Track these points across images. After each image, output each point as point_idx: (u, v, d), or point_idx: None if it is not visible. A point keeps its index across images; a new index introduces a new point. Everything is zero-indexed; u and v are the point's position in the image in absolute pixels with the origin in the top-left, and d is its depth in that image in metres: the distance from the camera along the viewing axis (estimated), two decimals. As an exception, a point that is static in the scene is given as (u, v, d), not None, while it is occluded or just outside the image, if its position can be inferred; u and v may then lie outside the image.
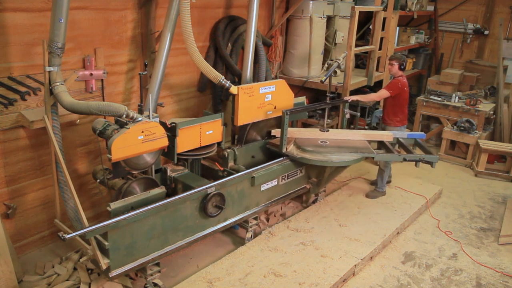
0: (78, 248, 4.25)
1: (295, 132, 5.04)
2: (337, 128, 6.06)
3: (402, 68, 5.47)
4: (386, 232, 4.79)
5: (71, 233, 3.16)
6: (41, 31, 3.84)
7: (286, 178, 4.82)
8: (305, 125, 7.15)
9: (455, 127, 7.32)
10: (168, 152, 4.12)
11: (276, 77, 6.80)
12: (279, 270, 4.06)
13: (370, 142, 5.12)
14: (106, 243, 3.35)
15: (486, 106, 7.44)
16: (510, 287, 4.23)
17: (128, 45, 4.67)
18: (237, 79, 5.54)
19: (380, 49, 6.87)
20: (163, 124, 3.91)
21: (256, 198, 4.56)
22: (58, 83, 3.58)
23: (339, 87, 6.25)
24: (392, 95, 5.42)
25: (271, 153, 5.01)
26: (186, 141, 4.17)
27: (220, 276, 3.93)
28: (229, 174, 4.38)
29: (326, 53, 7.09)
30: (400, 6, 7.16)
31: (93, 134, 3.78)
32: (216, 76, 4.31)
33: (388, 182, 6.07)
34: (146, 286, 3.76)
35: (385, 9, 6.76)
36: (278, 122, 5.18)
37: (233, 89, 4.46)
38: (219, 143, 4.57)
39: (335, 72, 5.62)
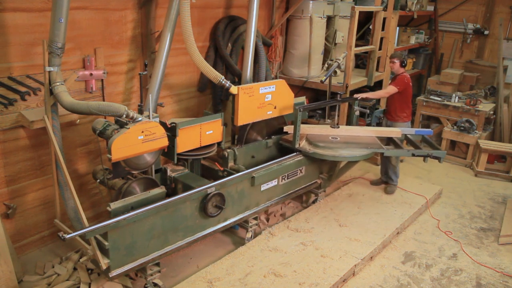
0: (78, 248, 4.25)
1: (306, 129, 5.23)
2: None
3: (403, 65, 5.65)
4: (386, 232, 4.79)
5: (71, 233, 3.16)
6: (41, 31, 3.84)
7: (286, 178, 4.82)
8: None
9: (455, 127, 7.33)
10: (168, 152, 4.12)
11: (276, 77, 6.80)
12: (279, 270, 4.06)
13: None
14: (106, 243, 3.35)
15: (486, 106, 7.44)
16: (510, 287, 4.23)
17: (128, 45, 4.67)
18: (237, 79, 5.54)
19: (380, 49, 6.87)
20: (163, 124, 3.91)
21: (256, 198, 4.56)
22: (58, 83, 3.58)
23: (339, 87, 6.25)
24: (399, 91, 5.56)
25: (279, 149, 5.17)
26: (186, 141, 4.17)
27: (220, 276, 3.93)
28: (229, 174, 4.38)
29: (326, 53, 7.09)
30: (400, 6, 7.16)
31: (93, 134, 3.77)
32: (216, 76, 4.30)
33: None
34: (146, 286, 3.76)
35: (385, 9, 6.75)
36: (278, 121, 5.20)
37: (233, 89, 4.46)
38: (219, 143, 4.57)
39: (335, 72, 5.64)
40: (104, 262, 3.36)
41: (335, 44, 7.16)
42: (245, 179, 4.35)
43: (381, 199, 5.65)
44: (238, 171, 4.37)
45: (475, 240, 5.04)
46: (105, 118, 3.85)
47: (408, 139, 5.39)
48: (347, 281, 4.14)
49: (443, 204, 5.86)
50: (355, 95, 5.61)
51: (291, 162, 4.79)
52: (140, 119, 3.54)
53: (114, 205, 3.53)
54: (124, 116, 3.45)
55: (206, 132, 4.32)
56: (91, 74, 4.31)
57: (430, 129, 5.58)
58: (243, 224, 4.58)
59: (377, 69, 7.01)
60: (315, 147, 4.88)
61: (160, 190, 3.86)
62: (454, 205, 5.84)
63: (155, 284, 3.78)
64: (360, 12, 6.18)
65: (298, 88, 6.72)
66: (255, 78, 5.69)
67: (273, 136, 5.15)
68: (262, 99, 4.74)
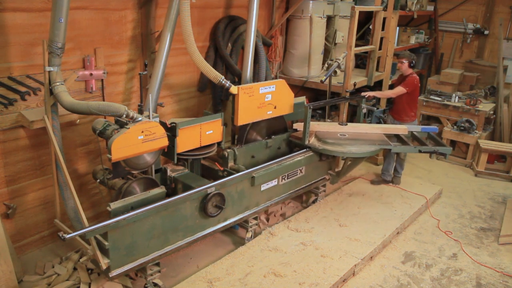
0: (78, 248, 4.25)
1: (315, 126, 5.33)
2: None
3: (412, 65, 5.69)
4: (386, 232, 4.79)
5: (71, 233, 3.16)
6: (41, 31, 3.84)
7: (286, 178, 4.82)
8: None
9: (455, 127, 7.33)
10: (168, 152, 4.12)
11: (276, 77, 6.80)
12: (279, 270, 4.06)
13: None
14: (106, 243, 3.35)
15: (486, 106, 7.44)
16: (510, 287, 4.23)
17: (128, 45, 4.67)
18: (237, 79, 5.54)
19: (380, 49, 6.86)
20: (163, 124, 3.91)
21: (256, 198, 4.56)
22: (58, 83, 3.58)
23: (339, 87, 6.25)
24: (408, 92, 5.61)
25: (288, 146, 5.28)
26: (186, 141, 4.17)
27: (220, 276, 3.93)
28: (229, 174, 4.38)
29: (326, 53, 7.09)
30: (400, 6, 7.15)
31: (93, 134, 3.77)
32: (216, 76, 4.30)
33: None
34: (146, 286, 3.76)
35: (385, 9, 6.75)
36: (278, 122, 5.20)
37: (233, 89, 4.46)
38: (219, 143, 4.56)
39: (335, 72, 5.65)
40: (104, 262, 3.36)
41: (335, 44, 7.15)
42: (245, 179, 4.35)
43: (381, 199, 5.65)
44: (238, 171, 4.37)
45: (475, 240, 5.04)
46: (105, 118, 3.85)
47: (415, 136, 5.46)
48: (347, 281, 4.14)
49: (443, 204, 5.86)
50: (362, 93, 5.67)
51: (291, 162, 4.79)
52: (140, 119, 3.54)
53: (114, 205, 3.53)
54: (124, 116, 3.45)
55: (206, 132, 4.32)
56: (91, 74, 4.31)
57: (435, 127, 5.60)
58: (243, 224, 4.58)
59: (377, 69, 7.00)
60: (324, 143, 4.97)
61: (160, 190, 3.86)
62: (454, 205, 5.84)
63: (155, 284, 3.78)
64: (360, 12, 6.18)
65: (298, 88, 6.72)
66: (255, 78, 5.68)
67: (279, 135, 5.17)
68: (262, 99, 4.75)
